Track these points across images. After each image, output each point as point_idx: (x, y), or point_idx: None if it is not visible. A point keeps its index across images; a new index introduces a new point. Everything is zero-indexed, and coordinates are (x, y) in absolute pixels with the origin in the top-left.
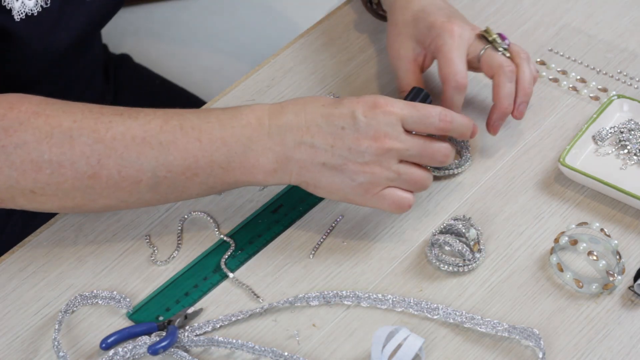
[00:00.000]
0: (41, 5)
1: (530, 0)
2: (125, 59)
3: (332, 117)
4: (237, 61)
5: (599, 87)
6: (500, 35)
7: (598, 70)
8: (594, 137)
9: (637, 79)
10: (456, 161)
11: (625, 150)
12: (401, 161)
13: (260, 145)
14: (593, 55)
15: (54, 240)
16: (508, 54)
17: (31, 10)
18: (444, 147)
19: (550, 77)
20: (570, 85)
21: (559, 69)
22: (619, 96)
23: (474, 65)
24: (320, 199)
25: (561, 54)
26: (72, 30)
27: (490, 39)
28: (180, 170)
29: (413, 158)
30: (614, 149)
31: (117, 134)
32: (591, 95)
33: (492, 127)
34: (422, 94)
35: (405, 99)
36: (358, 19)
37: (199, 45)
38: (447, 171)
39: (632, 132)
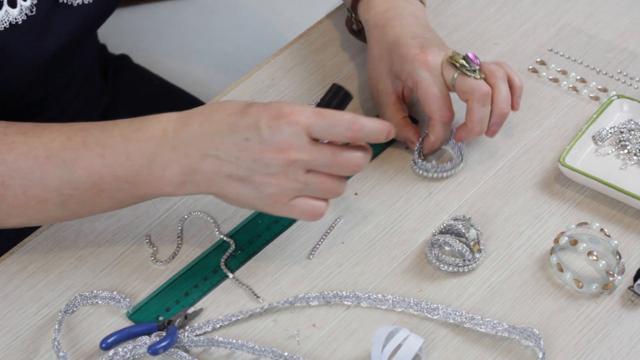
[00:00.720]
0: (26, 14)
1: (530, 0)
2: (124, 59)
3: (236, 127)
4: (237, 61)
5: (599, 87)
6: (469, 58)
7: (598, 70)
8: (594, 137)
9: (637, 79)
10: (448, 164)
11: (625, 150)
12: (310, 171)
13: (165, 158)
14: (593, 55)
15: (54, 240)
16: (481, 75)
17: (15, 19)
18: (355, 157)
19: (550, 77)
20: (570, 85)
21: (559, 69)
22: (619, 96)
23: (451, 89)
24: None
25: (561, 54)
26: (61, 37)
27: (457, 65)
28: (87, 187)
29: (321, 168)
30: (614, 149)
31: (19, 155)
32: (591, 95)
33: (457, 139)
34: (341, 93)
35: (324, 98)
36: None
37: (199, 45)
38: (438, 174)
39: (632, 132)
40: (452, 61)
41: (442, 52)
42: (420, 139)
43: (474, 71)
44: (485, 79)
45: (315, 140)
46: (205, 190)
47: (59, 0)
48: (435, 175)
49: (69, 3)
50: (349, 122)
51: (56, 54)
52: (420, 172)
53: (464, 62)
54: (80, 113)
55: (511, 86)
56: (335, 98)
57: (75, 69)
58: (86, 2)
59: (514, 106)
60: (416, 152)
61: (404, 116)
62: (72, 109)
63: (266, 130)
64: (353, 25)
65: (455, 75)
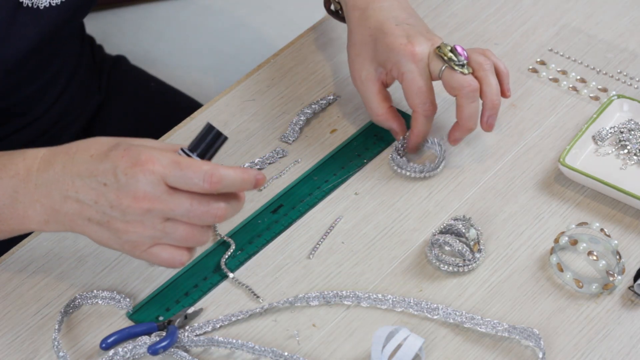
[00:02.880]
0: None
1: (530, 0)
2: (120, 60)
3: (95, 171)
4: (237, 61)
5: (599, 87)
6: (456, 50)
7: (598, 70)
8: (594, 137)
9: (637, 79)
10: (432, 164)
11: (625, 150)
12: (168, 219)
13: (27, 197)
14: (593, 55)
15: (54, 240)
16: (468, 70)
17: None
18: (215, 208)
19: (550, 77)
20: (570, 85)
21: (559, 69)
22: (619, 96)
23: (436, 79)
24: (320, 199)
25: (561, 54)
26: (27, 40)
27: (445, 58)
28: None
29: (180, 217)
30: (614, 149)
31: None
32: (591, 95)
33: (453, 140)
34: (212, 133)
35: (196, 138)
36: None
37: (199, 45)
38: (425, 173)
39: (632, 132)
40: (439, 53)
41: (429, 41)
42: (405, 135)
43: (462, 65)
44: (473, 73)
45: (174, 188)
46: (69, 229)
47: (23, 4)
48: (412, 174)
49: (35, 6)
50: (206, 173)
51: (24, 57)
52: (397, 169)
53: (452, 55)
54: (67, 113)
55: (498, 74)
56: (206, 139)
57: (55, 70)
58: (54, 4)
59: (505, 93)
60: (394, 150)
61: (390, 105)
62: (55, 109)
63: (122, 177)
64: (331, 5)
65: (443, 68)
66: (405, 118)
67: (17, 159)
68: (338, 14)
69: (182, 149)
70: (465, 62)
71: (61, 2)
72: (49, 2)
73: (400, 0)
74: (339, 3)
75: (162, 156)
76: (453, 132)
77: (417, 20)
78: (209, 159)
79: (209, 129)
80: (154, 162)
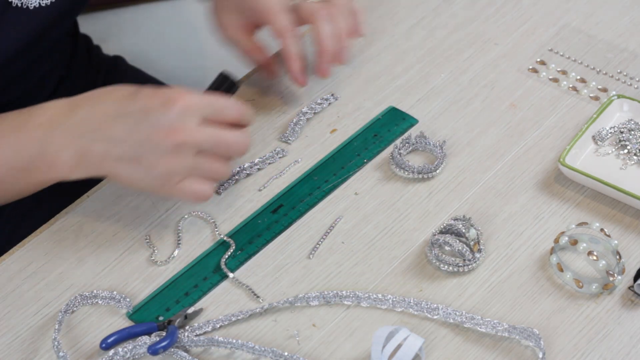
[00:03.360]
0: None
1: (530, 0)
2: (118, 60)
3: (125, 111)
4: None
5: (599, 87)
6: None
7: (598, 70)
8: (594, 137)
9: (637, 79)
10: (432, 166)
11: (625, 150)
12: (198, 152)
13: (56, 142)
14: (593, 55)
15: (54, 240)
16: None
17: None
18: (241, 139)
19: (550, 77)
20: (570, 85)
21: (559, 69)
22: (619, 96)
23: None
24: (320, 199)
25: (561, 54)
26: (16, 40)
27: None
28: None
29: (209, 149)
30: (614, 149)
31: None
32: (591, 95)
33: (321, 71)
34: (227, 82)
35: (211, 86)
36: None
37: (197, 45)
38: (424, 174)
39: (632, 132)
40: None
41: None
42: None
43: None
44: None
45: (205, 121)
46: (97, 172)
47: (12, 4)
48: (411, 175)
49: (24, 6)
50: (235, 103)
51: (14, 57)
52: (397, 169)
53: None
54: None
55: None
56: (222, 86)
57: (46, 70)
58: (43, 5)
59: (359, 33)
60: (395, 150)
61: (254, 41)
62: None
63: (155, 113)
64: None
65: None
66: (405, 118)
67: (37, 111)
68: None
69: None
70: None
71: (51, 2)
72: (39, 3)
73: None
74: None
75: (192, 94)
76: (318, 61)
77: None
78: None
79: (223, 78)
80: (185, 98)
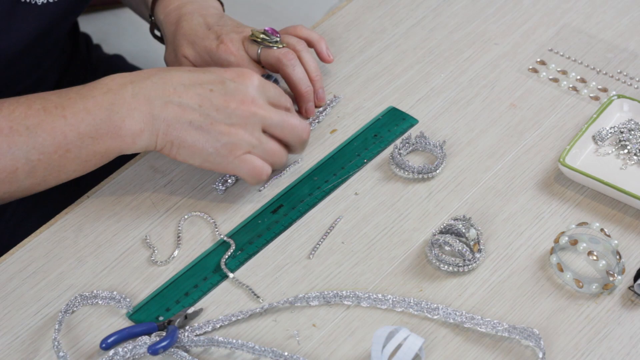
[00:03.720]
0: None
1: (530, 0)
2: (117, 59)
3: (200, 79)
4: None
5: (599, 87)
6: (267, 31)
7: (598, 70)
8: (594, 137)
9: (637, 79)
10: (432, 166)
11: (625, 150)
12: (264, 131)
13: (125, 107)
14: (593, 55)
15: (54, 240)
16: (283, 45)
17: None
18: (303, 124)
19: (550, 77)
20: (570, 85)
21: (559, 69)
22: (619, 96)
23: (258, 61)
24: (320, 199)
25: (561, 54)
26: (23, 35)
27: (258, 40)
28: (52, 149)
29: (274, 128)
30: (614, 149)
31: None
32: (591, 95)
33: (305, 113)
34: (272, 79)
35: None
36: (358, 19)
37: None
38: (424, 174)
39: (632, 132)
40: (252, 38)
41: (240, 34)
42: None
43: (275, 42)
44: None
45: (271, 103)
46: (162, 137)
47: (21, 0)
48: (411, 175)
49: (32, 2)
50: (288, 100)
51: (21, 52)
52: (397, 169)
53: (264, 36)
54: None
55: (312, 44)
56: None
57: (47, 67)
58: (51, 1)
59: (325, 59)
60: (395, 150)
61: None
62: None
63: (231, 83)
64: (155, 29)
65: (259, 50)
66: (405, 118)
67: (105, 80)
68: (161, 38)
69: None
70: (278, 39)
71: None
72: None
73: (205, 7)
74: (157, 26)
75: (260, 76)
76: (300, 105)
77: (225, 20)
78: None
79: (268, 75)
80: (257, 75)
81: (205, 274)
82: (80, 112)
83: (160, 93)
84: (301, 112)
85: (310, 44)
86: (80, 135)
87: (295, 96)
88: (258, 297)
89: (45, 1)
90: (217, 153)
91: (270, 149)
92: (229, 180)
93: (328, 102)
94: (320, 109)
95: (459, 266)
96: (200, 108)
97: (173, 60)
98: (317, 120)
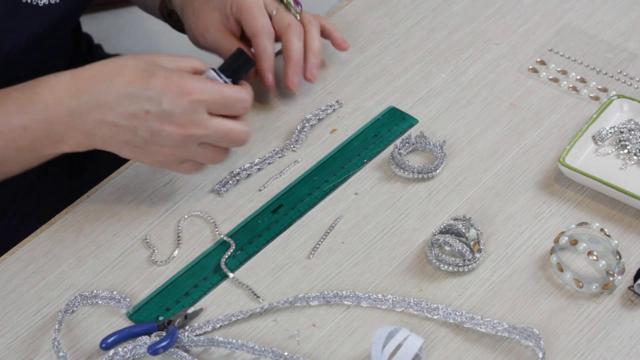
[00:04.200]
0: None
1: (530, 0)
2: None
3: (137, 98)
4: None
5: (599, 87)
6: (295, 0)
7: (598, 70)
8: (594, 137)
9: (637, 79)
10: (431, 166)
11: (625, 150)
12: (202, 143)
13: (62, 126)
14: (593, 55)
15: (54, 240)
16: (299, 18)
17: None
18: (244, 133)
19: (550, 77)
20: (570, 85)
21: (559, 69)
22: (619, 96)
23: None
24: (320, 199)
25: (561, 54)
26: (26, 36)
27: (285, 1)
28: None
29: (212, 141)
30: (614, 149)
31: None
32: (591, 95)
33: (289, 82)
34: (242, 58)
35: (227, 61)
36: (358, 19)
37: None
38: (424, 174)
39: (632, 132)
40: None
41: None
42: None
43: (296, 12)
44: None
45: (212, 114)
46: (102, 148)
47: (23, 0)
48: (411, 175)
49: (34, 3)
50: (245, 101)
51: (23, 53)
52: (397, 169)
53: (290, 1)
54: None
55: (330, 32)
56: (236, 62)
57: (49, 67)
58: (53, 2)
59: (343, 44)
60: (395, 149)
61: (240, 42)
62: None
63: (168, 106)
64: (165, 9)
65: (277, 9)
66: (405, 118)
67: (42, 89)
68: (170, 17)
69: (212, 69)
70: (299, 10)
71: (60, 0)
72: (49, 0)
73: None
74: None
75: (205, 85)
76: (286, 72)
77: None
78: (235, 82)
79: (240, 53)
80: (200, 93)
81: (205, 273)
82: (18, 128)
83: (96, 112)
84: (286, 80)
85: (324, 32)
86: (19, 149)
87: (285, 64)
88: (258, 297)
89: (47, 2)
90: (153, 164)
91: (206, 157)
92: (230, 182)
93: (330, 104)
94: (322, 107)
95: (459, 266)
96: (135, 130)
97: (195, 16)
98: (317, 118)
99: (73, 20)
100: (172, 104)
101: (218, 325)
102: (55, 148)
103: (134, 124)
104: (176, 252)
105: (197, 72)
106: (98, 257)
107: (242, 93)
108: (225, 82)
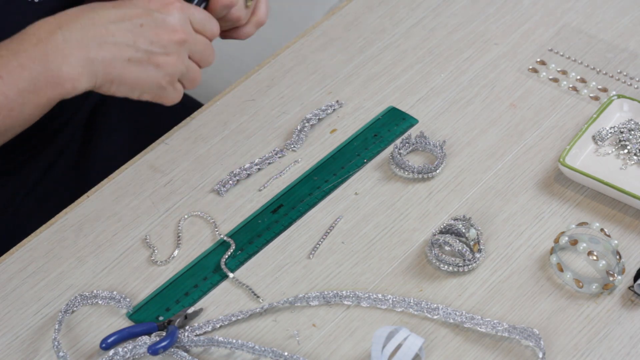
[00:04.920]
0: None
1: (530, 0)
2: None
3: (128, 16)
4: (237, 61)
5: (599, 87)
6: None
7: (598, 70)
8: (594, 137)
9: (637, 79)
10: (432, 166)
11: (625, 150)
12: (189, 57)
13: (59, 55)
14: (593, 55)
15: (54, 240)
16: None
17: None
18: (213, 51)
19: (550, 77)
20: (570, 85)
21: (559, 69)
22: (619, 96)
23: None
24: (320, 199)
25: (561, 54)
26: (17, 31)
27: None
28: None
29: (197, 54)
30: (614, 149)
31: None
32: (591, 95)
33: (245, 34)
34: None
35: None
36: (358, 19)
37: None
38: (424, 174)
39: (632, 132)
40: None
41: None
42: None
43: None
44: None
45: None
46: (103, 78)
47: None
48: (411, 175)
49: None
50: (216, 22)
51: None
52: (397, 169)
53: None
54: (65, 110)
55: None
56: None
57: None
58: None
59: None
60: (395, 149)
61: None
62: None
63: (158, 15)
64: None
65: None
66: (405, 118)
67: (30, 29)
68: None
69: None
70: None
71: None
72: None
73: None
74: None
75: (183, 1)
76: (248, 26)
77: None
78: (205, 7)
79: None
80: (182, 4)
81: (205, 274)
82: (16, 69)
83: (93, 34)
84: (240, 31)
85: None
86: (21, 92)
87: (254, 17)
88: (258, 297)
89: None
90: (158, 85)
91: (192, 76)
92: (230, 182)
93: (330, 104)
94: (322, 107)
95: (459, 266)
96: (136, 44)
97: None
98: (317, 118)
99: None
100: (161, 11)
101: (218, 325)
102: (55, 86)
103: (133, 39)
104: (176, 252)
105: None
106: (98, 257)
107: (210, 16)
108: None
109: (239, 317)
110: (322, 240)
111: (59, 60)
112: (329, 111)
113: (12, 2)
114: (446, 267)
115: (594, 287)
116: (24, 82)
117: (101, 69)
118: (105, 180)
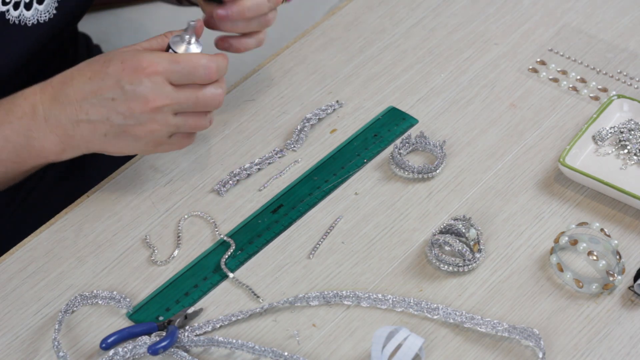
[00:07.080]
0: None
1: (530, 0)
2: None
3: (100, 90)
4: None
5: (599, 87)
6: None
7: (598, 70)
8: (594, 137)
9: (637, 79)
10: (431, 166)
11: (625, 150)
12: (177, 113)
13: (41, 133)
14: (593, 55)
15: (54, 240)
16: None
17: None
18: (216, 95)
19: (550, 77)
20: (570, 85)
21: (559, 69)
22: (619, 96)
23: None
24: (320, 199)
25: (561, 54)
26: (15, 57)
27: None
28: None
29: (188, 109)
30: (614, 149)
31: None
32: (591, 95)
33: (222, 16)
34: (189, 30)
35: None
36: (358, 19)
37: None
38: (424, 174)
39: (632, 132)
40: None
41: None
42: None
43: None
44: None
45: (178, 85)
46: (87, 151)
47: (10, 21)
48: (411, 175)
49: (22, 24)
50: (206, 66)
51: (15, 72)
52: (397, 169)
53: None
54: None
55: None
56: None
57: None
58: (42, 21)
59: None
60: (395, 149)
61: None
62: None
63: (128, 86)
64: None
65: None
66: (405, 118)
67: (18, 100)
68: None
69: (177, 35)
70: None
71: (49, 19)
72: (37, 19)
73: None
74: None
75: (160, 58)
76: (229, 12)
77: None
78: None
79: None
80: (155, 65)
81: (205, 274)
82: (0, 141)
83: (69, 113)
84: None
85: None
86: (3, 162)
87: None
88: (258, 297)
89: (35, 22)
90: (145, 149)
91: (190, 126)
92: (230, 182)
93: (330, 104)
94: (322, 107)
95: (459, 266)
96: (109, 120)
97: None
98: (317, 118)
99: (64, 35)
100: (132, 82)
101: (218, 325)
102: (39, 157)
103: (106, 115)
104: (176, 252)
105: (163, 47)
106: (98, 257)
107: (202, 59)
108: (190, 42)
109: (239, 317)
110: (322, 240)
111: (40, 138)
112: (329, 111)
113: (4, 26)
114: (446, 267)
115: (594, 287)
116: (7, 154)
117: (82, 144)
118: (105, 180)
